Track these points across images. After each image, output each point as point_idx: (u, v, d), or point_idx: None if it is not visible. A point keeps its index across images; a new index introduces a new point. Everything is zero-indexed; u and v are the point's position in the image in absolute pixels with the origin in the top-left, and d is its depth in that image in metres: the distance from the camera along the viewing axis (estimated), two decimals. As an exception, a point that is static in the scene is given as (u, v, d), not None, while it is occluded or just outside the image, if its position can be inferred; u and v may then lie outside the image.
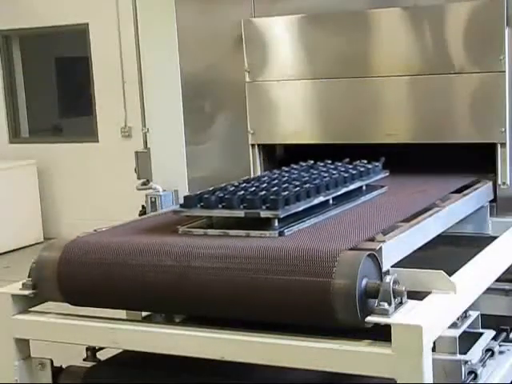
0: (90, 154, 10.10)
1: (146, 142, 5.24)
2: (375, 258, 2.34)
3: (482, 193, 3.61)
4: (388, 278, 2.25)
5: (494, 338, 2.94)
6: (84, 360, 2.97)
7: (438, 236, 3.09)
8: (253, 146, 4.15)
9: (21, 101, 10.79)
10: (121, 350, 2.89)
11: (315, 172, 3.22)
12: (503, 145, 3.63)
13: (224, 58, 4.24)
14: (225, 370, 2.62)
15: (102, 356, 2.98)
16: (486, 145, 3.69)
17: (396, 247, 2.65)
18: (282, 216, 2.65)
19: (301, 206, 2.77)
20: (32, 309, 2.76)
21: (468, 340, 2.74)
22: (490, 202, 3.71)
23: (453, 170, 3.78)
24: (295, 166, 3.44)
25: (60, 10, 9.95)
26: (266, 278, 2.34)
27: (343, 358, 2.24)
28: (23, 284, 2.72)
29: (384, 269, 2.44)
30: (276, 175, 3.25)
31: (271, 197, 2.70)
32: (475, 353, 2.73)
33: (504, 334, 3.05)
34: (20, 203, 9.96)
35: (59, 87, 10.94)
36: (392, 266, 2.57)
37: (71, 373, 2.86)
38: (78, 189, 10.20)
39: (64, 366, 2.87)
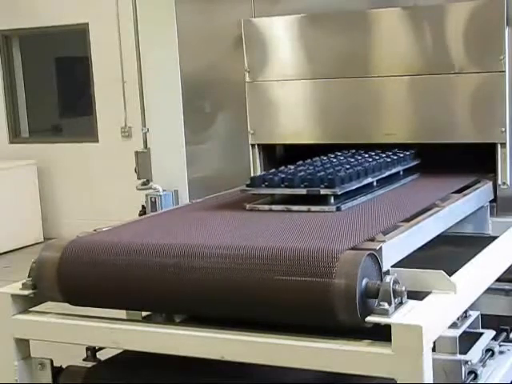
0: (90, 153, 10.11)
1: (146, 142, 5.25)
2: (375, 257, 2.34)
3: (482, 193, 3.61)
4: (388, 278, 2.25)
5: (494, 338, 2.94)
6: (84, 360, 2.97)
7: (438, 236, 3.09)
8: (253, 146, 4.15)
9: (21, 101, 10.80)
10: (121, 350, 2.89)
11: (360, 157, 3.59)
12: (503, 145, 3.63)
13: (224, 57, 4.24)
14: (225, 370, 2.62)
15: (102, 356, 2.98)
16: (486, 145, 3.69)
17: (396, 247, 2.65)
18: (339, 193, 3.04)
19: (354, 186, 3.16)
20: (32, 309, 2.75)
21: (468, 340, 2.74)
22: (490, 202, 3.71)
23: (453, 170, 3.78)
24: (339, 153, 3.76)
25: (60, 10, 9.96)
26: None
27: (343, 358, 2.24)
28: (23, 284, 2.71)
29: (384, 269, 2.44)
30: (326, 160, 3.59)
31: (329, 176, 3.10)
32: (475, 353, 2.72)
33: (504, 334, 3.05)
34: (20, 203, 9.96)
35: (59, 87, 10.94)
36: (392, 266, 2.56)
37: (71, 373, 2.86)
38: (77, 189, 10.20)
39: (64, 366, 2.87)
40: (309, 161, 3.61)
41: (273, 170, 3.38)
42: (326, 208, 3.01)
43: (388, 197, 3.29)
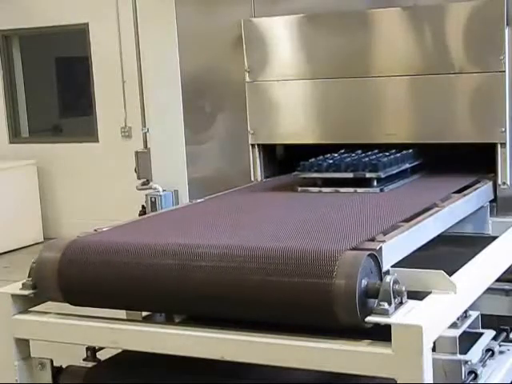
0: (90, 153, 10.10)
1: (146, 142, 5.26)
2: (375, 257, 2.34)
3: (481, 193, 3.61)
4: (388, 278, 2.25)
5: (494, 338, 2.94)
6: (84, 360, 2.97)
7: (438, 236, 3.09)
8: (253, 146, 4.16)
9: (21, 101, 10.79)
10: (121, 350, 2.89)
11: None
12: (503, 145, 3.63)
13: (224, 57, 4.24)
14: (225, 370, 2.62)
15: (102, 356, 2.98)
16: (486, 145, 3.69)
17: (396, 247, 2.65)
18: (383, 176, 3.42)
19: (395, 170, 3.53)
20: (32, 309, 2.75)
21: (468, 340, 2.74)
22: (490, 202, 3.71)
23: (453, 170, 3.78)
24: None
25: (60, 10, 9.95)
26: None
27: (343, 358, 2.24)
28: (23, 284, 2.71)
29: (384, 269, 2.44)
30: (366, 150, 3.84)
31: (373, 162, 3.46)
32: (475, 353, 2.72)
33: (504, 334, 3.05)
34: (20, 203, 9.95)
35: (59, 87, 10.94)
36: (392, 266, 2.56)
37: (71, 373, 2.86)
38: (77, 189, 10.19)
39: (64, 366, 2.87)
40: (348, 150, 3.86)
41: (320, 157, 3.65)
42: (370, 190, 3.38)
43: (419, 183, 3.66)
